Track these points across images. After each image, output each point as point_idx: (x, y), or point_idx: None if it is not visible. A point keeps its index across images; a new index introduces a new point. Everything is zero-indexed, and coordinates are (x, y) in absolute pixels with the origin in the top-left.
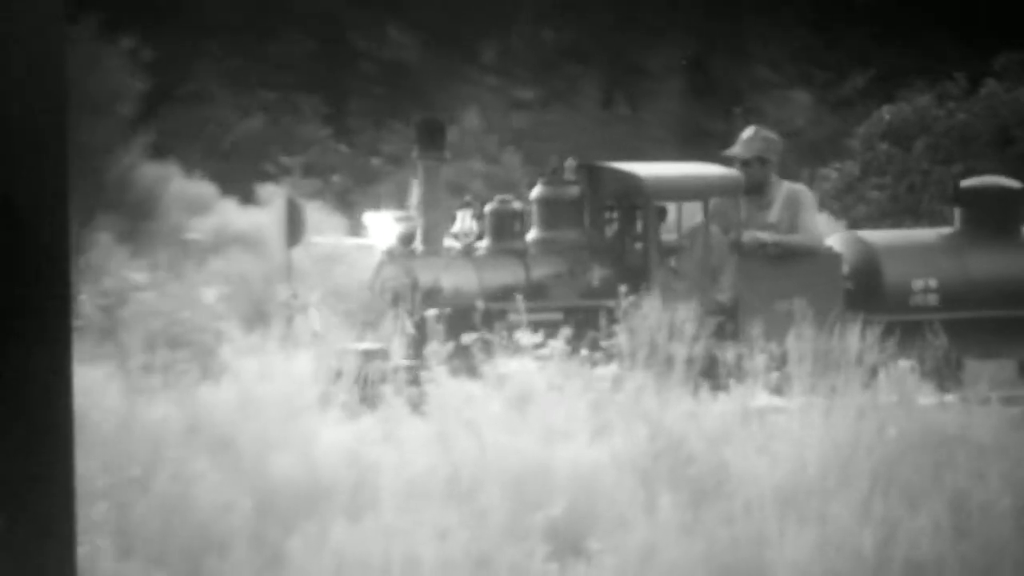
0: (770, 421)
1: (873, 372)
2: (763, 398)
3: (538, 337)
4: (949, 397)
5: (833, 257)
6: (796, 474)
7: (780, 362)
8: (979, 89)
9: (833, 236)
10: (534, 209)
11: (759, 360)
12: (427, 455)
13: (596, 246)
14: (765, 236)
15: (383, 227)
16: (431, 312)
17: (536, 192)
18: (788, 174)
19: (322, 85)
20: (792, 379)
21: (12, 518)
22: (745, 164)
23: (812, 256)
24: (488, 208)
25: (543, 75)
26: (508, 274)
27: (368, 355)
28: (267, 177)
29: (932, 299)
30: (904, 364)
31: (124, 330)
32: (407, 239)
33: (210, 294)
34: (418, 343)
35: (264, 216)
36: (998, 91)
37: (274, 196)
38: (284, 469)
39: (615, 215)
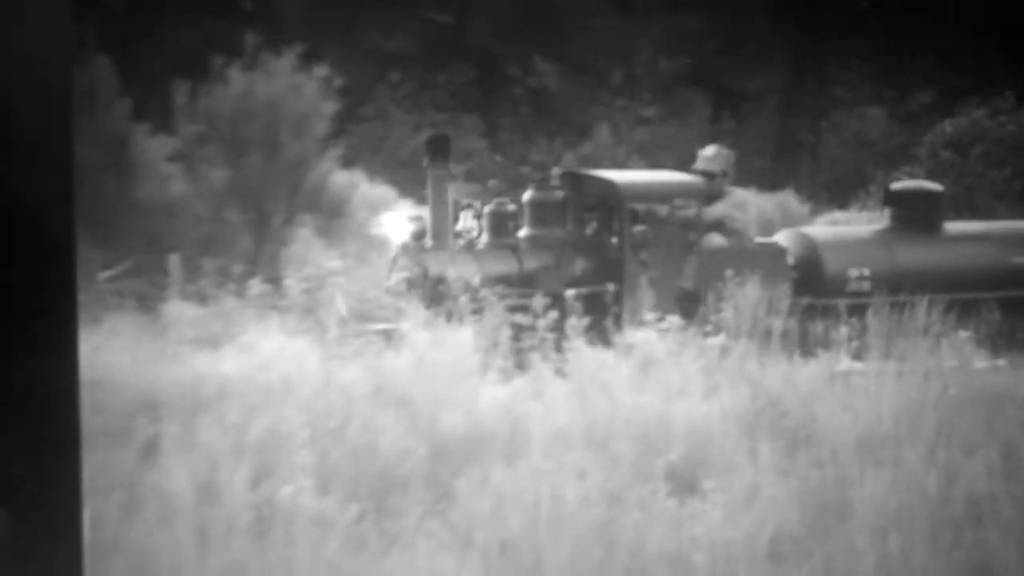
0: (852, 382)
1: (937, 341)
2: (846, 363)
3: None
4: (1000, 362)
5: (780, 250)
6: (873, 426)
7: (860, 333)
8: None
9: (781, 233)
10: (525, 210)
11: (843, 331)
12: (568, 410)
13: (578, 242)
14: (717, 237)
15: (398, 226)
16: (570, 292)
17: (527, 196)
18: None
19: (480, 107)
20: (870, 347)
21: (19, 517)
22: (710, 177)
23: (762, 249)
24: (486, 209)
25: (661, 96)
26: (504, 265)
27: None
28: None
29: (866, 285)
30: (963, 334)
31: (322, 309)
32: (419, 235)
33: (392, 278)
34: (559, 319)
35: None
36: None
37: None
38: (452, 422)
39: (594, 215)
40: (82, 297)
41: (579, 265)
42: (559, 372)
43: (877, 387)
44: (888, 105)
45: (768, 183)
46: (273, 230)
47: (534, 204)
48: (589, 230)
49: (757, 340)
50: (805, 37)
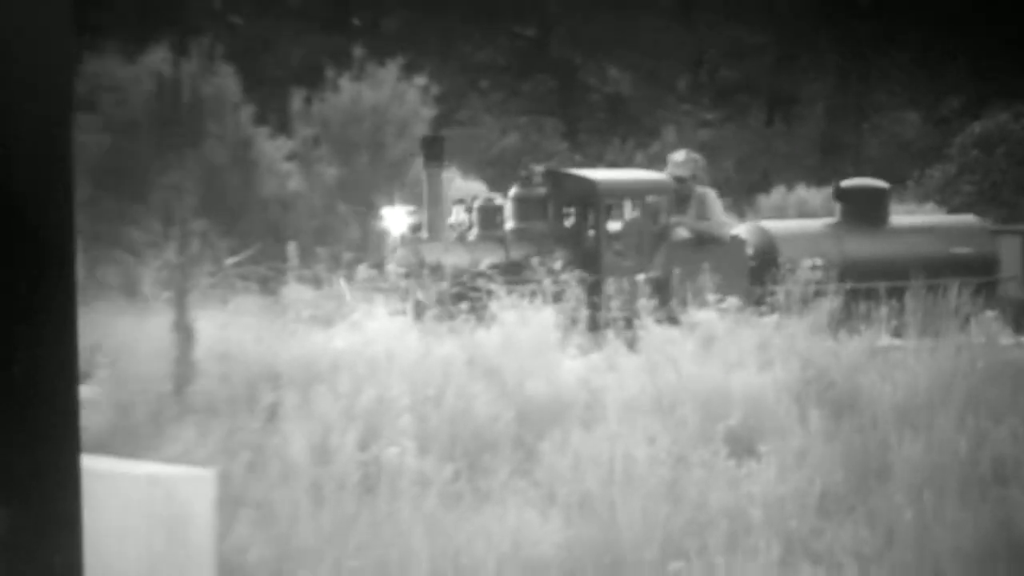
0: (891, 357)
1: (967, 320)
2: (885, 339)
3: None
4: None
5: (740, 242)
6: (910, 396)
7: (899, 312)
8: None
9: (741, 226)
10: (511, 206)
11: (883, 311)
12: (639, 381)
13: (558, 234)
14: (684, 230)
15: (397, 219)
16: (640, 276)
17: (512, 192)
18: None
19: (561, 111)
20: (908, 325)
21: (18, 517)
22: (679, 179)
23: (722, 240)
24: (476, 205)
25: (722, 102)
26: (492, 255)
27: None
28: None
29: (818, 273)
30: (990, 314)
31: (421, 290)
32: (416, 228)
33: (483, 263)
34: (631, 299)
35: None
36: None
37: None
38: (536, 390)
39: (573, 210)
40: (211, 281)
41: (559, 255)
42: (630, 347)
43: (914, 361)
44: (923, 109)
45: (816, 179)
46: (379, 221)
47: (519, 200)
48: (568, 223)
49: (806, 318)
50: (849, 50)
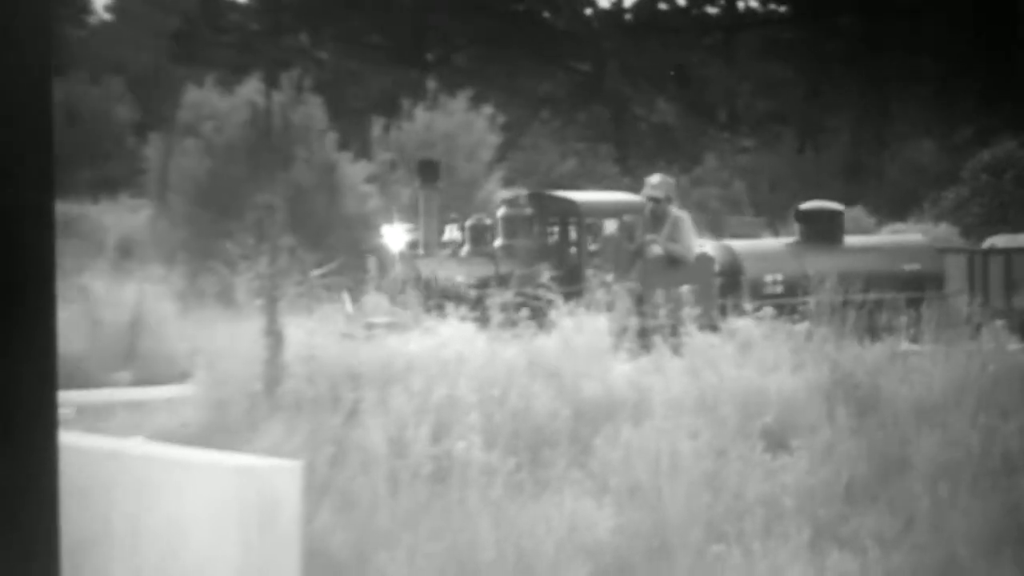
0: (909, 361)
1: (978, 328)
2: (904, 345)
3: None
4: None
5: (708, 259)
6: (926, 395)
7: (916, 321)
8: None
9: (709, 244)
10: (499, 224)
11: (902, 319)
12: (683, 382)
13: (543, 250)
14: (657, 248)
15: (397, 236)
16: (685, 287)
17: (501, 212)
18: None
19: (613, 138)
20: (924, 332)
21: None
22: (655, 201)
23: (689, 261)
24: (468, 223)
25: (758, 130)
26: (483, 269)
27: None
28: None
29: (779, 288)
30: (999, 322)
31: (489, 300)
32: (413, 244)
33: (544, 275)
34: (677, 308)
35: None
36: None
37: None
38: (591, 390)
39: (556, 229)
40: (299, 290)
41: (543, 269)
42: (675, 351)
43: (930, 365)
44: (937, 138)
45: (842, 200)
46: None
47: (506, 219)
48: (552, 240)
49: (834, 326)
50: (871, 85)
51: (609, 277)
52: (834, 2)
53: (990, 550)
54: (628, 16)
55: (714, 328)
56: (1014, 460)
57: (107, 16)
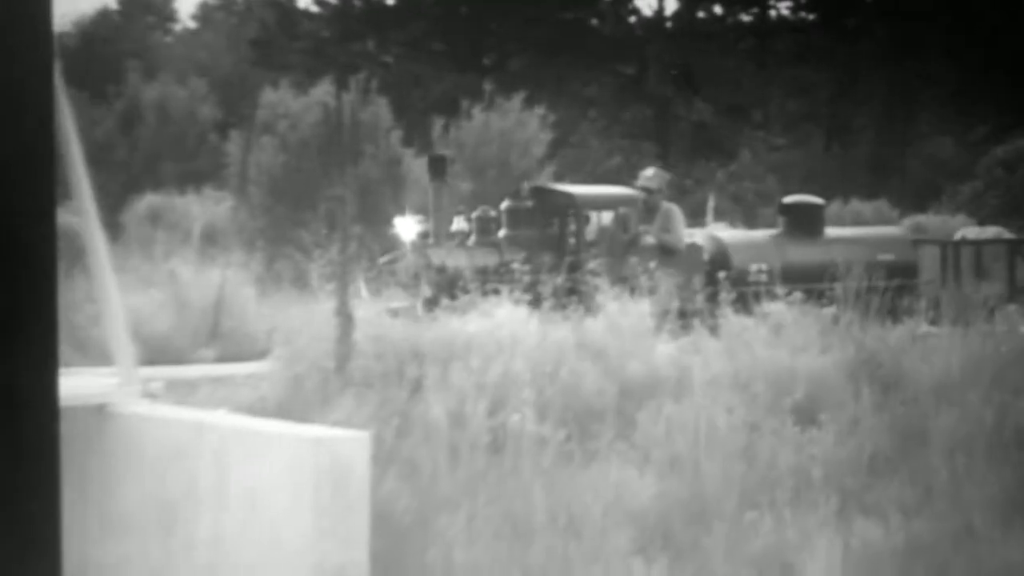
0: (929, 342)
1: (992, 311)
2: (924, 327)
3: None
4: None
5: (697, 248)
6: (944, 374)
7: (935, 304)
8: None
9: (698, 235)
10: (504, 216)
11: (922, 303)
12: (720, 361)
13: (544, 240)
14: (650, 238)
15: (409, 227)
16: (721, 274)
17: (504, 205)
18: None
19: (655, 136)
20: (943, 315)
21: None
22: (649, 191)
23: (680, 250)
24: (474, 215)
25: (789, 129)
26: (488, 258)
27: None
28: None
29: (763, 276)
30: (1011, 307)
31: (541, 286)
32: (424, 235)
33: (591, 263)
34: (714, 293)
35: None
36: None
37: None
38: (635, 369)
39: (556, 220)
40: (367, 276)
41: (544, 258)
42: (712, 333)
43: (948, 346)
44: (956, 136)
45: (866, 194)
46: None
47: (510, 211)
48: (552, 230)
49: (859, 310)
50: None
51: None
52: (860, 10)
53: (1004, 518)
54: (669, 23)
55: (748, 312)
56: None
57: (192, 24)
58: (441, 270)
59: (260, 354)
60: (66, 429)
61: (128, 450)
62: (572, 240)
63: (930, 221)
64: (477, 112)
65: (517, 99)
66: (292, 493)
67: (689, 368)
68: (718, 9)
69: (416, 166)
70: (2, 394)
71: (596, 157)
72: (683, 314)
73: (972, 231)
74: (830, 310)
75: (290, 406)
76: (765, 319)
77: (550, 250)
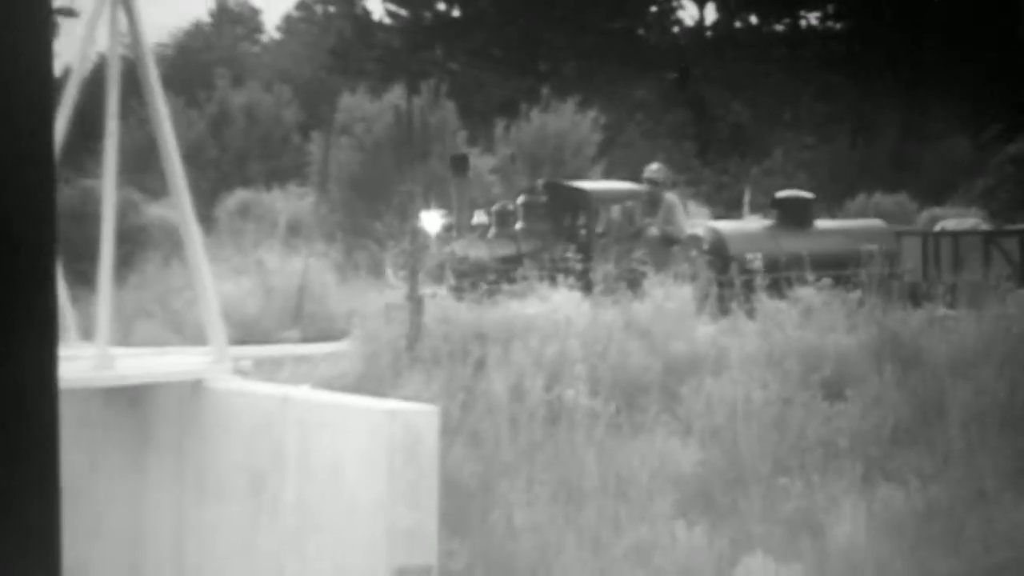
0: (946, 323)
1: (1003, 296)
2: (941, 310)
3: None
4: None
5: (698, 238)
6: (960, 353)
7: (951, 290)
8: None
9: (697, 226)
10: (521, 210)
11: (940, 288)
12: (755, 341)
13: (557, 231)
14: (654, 229)
15: (433, 221)
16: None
17: (521, 200)
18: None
19: (695, 136)
20: (958, 299)
21: None
22: (653, 183)
23: (681, 240)
24: (494, 209)
25: (818, 129)
26: (507, 249)
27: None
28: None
29: (758, 265)
30: (1021, 291)
31: (592, 273)
32: (447, 228)
33: (637, 253)
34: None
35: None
36: None
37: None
38: (678, 348)
39: (568, 213)
40: (436, 263)
41: (558, 248)
42: (749, 315)
43: (963, 327)
44: (969, 135)
45: (888, 188)
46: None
47: (526, 205)
48: (565, 223)
49: (882, 295)
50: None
51: (610, 255)
52: (882, 20)
53: (1014, 483)
54: (709, 33)
55: (781, 296)
56: None
57: (277, 35)
58: (463, 260)
59: (339, 335)
60: (165, 402)
61: (221, 422)
62: (583, 232)
63: (946, 213)
64: (535, 114)
65: (571, 102)
66: (368, 461)
67: (727, 347)
68: (754, 20)
69: (479, 164)
70: (2, 396)
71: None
72: (722, 298)
73: (951, 223)
74: (855, 294)
75: (366, 382)
76: (796, 303)
77: (562, 240)
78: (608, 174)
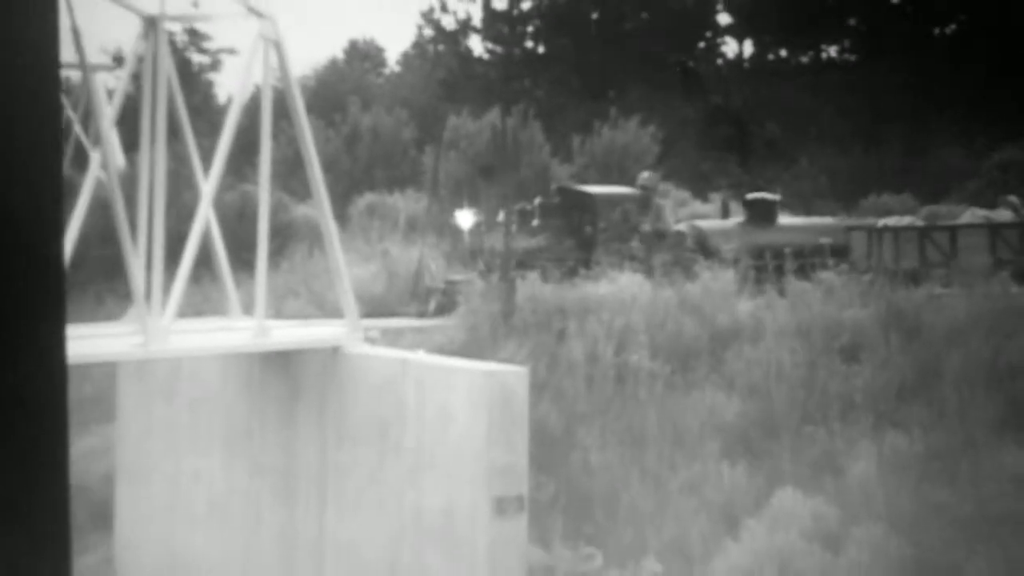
0: (942, 300)
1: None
2: (938, 289)
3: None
4: None
5: (682, 234)
6: (954, 324)
7: (946, 273)
8: None
9: (681, 223)
10: (537, 210)
11: (939, 270)
12: (786, 315)
13: (568, 229)
14: (646, 226)
15: (466, 218)
16: (787, 249)
17: (537, 202)
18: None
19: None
20: (952, 281)
21: (5, 531)
22: (645, 189)
23: (670, 234)
24: (515, 208)
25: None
26: (527, 242)
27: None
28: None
29: (731, 254)
30: (1004, 273)
31: (653, 258)
32: (478, 224)
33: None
34: (780, 266)
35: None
36: None
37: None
38: (723, 320)
39: (576, 213)
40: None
41: (567, 243)
42: (781, 293)
43: (957, 301)
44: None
45: (896, 190)
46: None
47: (542, 206)
48: (574, 222)
49: (889, 276)
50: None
51: (611, 248)
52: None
53: (998, 432)
54: (746, 64)
55: (807, 278)
56: (1016, 369)
57: (397, 68)
58: (491, 251)
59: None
60: (310, 365)
61: (354, 380)
62: (588, 228)
63: (941, 210)
64: (605, 130)
65: (634, 120)
66: (472, 412)
67: (763, 320)
68: (783, 52)
69: (560, 172)
70: (11, 393)
71: (692, 164)
72: (758, 280)
73: (892, 220)
74: (868, 277)
75: (469, 348)
76: (819, 284)
77: (571, 235)
78: (665, 178)
